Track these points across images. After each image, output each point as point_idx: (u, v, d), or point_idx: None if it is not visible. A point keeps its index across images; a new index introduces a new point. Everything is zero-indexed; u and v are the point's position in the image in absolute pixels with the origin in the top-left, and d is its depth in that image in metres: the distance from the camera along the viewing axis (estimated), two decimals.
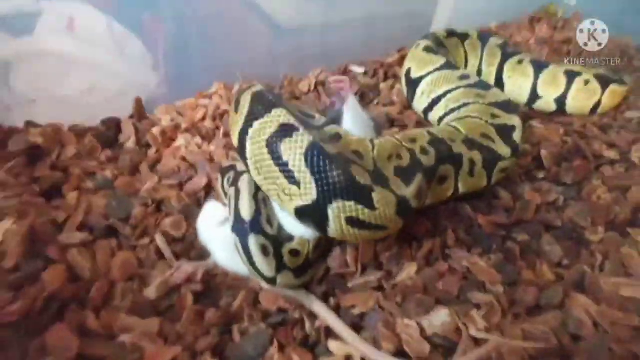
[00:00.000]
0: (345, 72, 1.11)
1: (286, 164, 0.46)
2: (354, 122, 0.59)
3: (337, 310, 0.58)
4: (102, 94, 0.87)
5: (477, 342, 0.54)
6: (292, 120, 0.47)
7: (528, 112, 1.02)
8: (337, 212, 0.47)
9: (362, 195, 0.47)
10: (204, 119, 0.88)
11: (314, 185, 0.46)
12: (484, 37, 1.08)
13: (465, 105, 0.83)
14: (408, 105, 0.97)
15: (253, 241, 0.52)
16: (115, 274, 0.59)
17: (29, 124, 0.76)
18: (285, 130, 0.47)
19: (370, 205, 0.48)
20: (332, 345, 0.53)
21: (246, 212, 0.52)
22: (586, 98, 0.95)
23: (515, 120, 0.78)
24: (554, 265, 0.68)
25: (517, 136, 0.76)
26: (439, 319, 0.56)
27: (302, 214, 0.49)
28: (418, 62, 0.95)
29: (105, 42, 0.85)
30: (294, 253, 0.56)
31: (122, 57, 0.88)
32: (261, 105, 0.49)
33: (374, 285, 0.60)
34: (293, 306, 0.58)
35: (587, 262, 0.67)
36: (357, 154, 0.53)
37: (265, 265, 0.53)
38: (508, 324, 0.57)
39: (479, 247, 0.69)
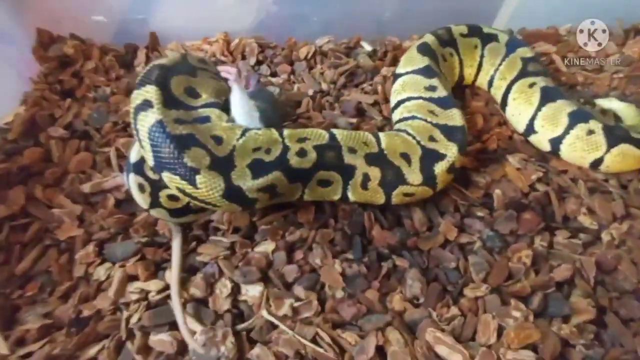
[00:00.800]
0: (355, 47, 1.10)
1: (138, 132, 0.59)
2: (235, 110, 0.66)
3: (193, 252, 0.73)
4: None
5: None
6: (153, 98, 0.58)
7: (522, 141, 0.90)
8: (168, 180, 0.59)
9: (185, 174, 0.58)
10: None
11: (152, 155, 0.58)
12: (513, 44, 0.93)
13: (412, 118, 0.80)
14: (387, 99, 0.95)
15: (132, 179, 0.68)
16: (72, 166, 0.82)
17: (72, 36, 1.00)
18: (144, 105, 0.58)
19: (193, 184, 0.58)
20: (167, 274, 0.69)
21: (132, 157, 0.68)
22: (584, 150, 0.80)
23: (450, 150, 0.74)
24: (406, 298, 0.69)
25: (440, 167, 0.73)
26: (253, 291, 0.67)
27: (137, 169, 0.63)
28: (406, 58, 0.90)
29: None
30: (173, 198, 0.70)
31: None
32: (144, 78, 0.61)
33: (226, 245, 0.72)
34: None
35: (438, 311, 0.67)
36: (215, 138, 0.62)
37: (140, 199, 0.69)
38: (308, 323, 0.65)
39: (350, 254, 0.74)
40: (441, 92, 0.81)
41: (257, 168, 0.63)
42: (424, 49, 0.88)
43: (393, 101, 0.88)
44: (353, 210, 0.78)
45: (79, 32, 1.00)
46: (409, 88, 0.84)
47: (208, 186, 0.59)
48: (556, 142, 0.83)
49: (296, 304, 0.66)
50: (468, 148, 0.88)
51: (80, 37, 1.01)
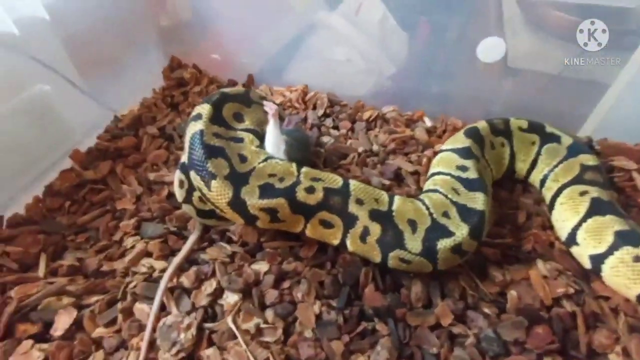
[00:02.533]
0: (417, 120, 1.15)
1: (185, 136, 0.74)
2: (267, 139, 0.77)
3: (201, 250, 0.83)
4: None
5: None
6: (204, 113, 0.73)
7: (563, 251, 0.81)
8: (193, 178, 0.72)
9: (205, 177, 0.69)
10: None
11: (188, 155, 0.72)
12: (576, 148, 0.88)
13: (435, 191, 0.80)
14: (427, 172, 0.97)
15: (177, 175, 0.83)
16: (149, 157, 1.02)
17: (193, 66, 1.28)
18: (196, 117, 0.73)
19: (208, 187, 0.69)
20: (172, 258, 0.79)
21: (182, 158, 0.83)
22: (630, 279, 0.69)
23: (460, 230, 0.72)
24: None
25: (443, 244, 0.71)
26: (231, 298, 0.72)
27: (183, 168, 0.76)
28: (453, 137, 0.92)
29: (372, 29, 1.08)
30: (202, 200, 0.82)
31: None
32: (206, 98, 0.77)
33: (228, 253, 0.80)
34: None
35: None
36: (240, 156, 0.73)
37: (178, 193, 0.83)
38: (265, 346, 0.67)
39: (334, 301, 0.75)
40: (471, 174, 0.80)
41: (266, 190, 0.72)
42: (471, 133, 0.89)
43: (428, 173, 0.90)
44: (353, 261, 0.80)
45: (199, 63, 1.28)
46: (442, 163, 0.86)
47: (219, 192, 0.69)
48: (597, 260, 0.74)
49: (262, 325, 0.70)
50: (496, 240, 0.83)
51: (199, 67, 1.28)
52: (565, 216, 0.81)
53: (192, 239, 0.82)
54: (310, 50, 1.19)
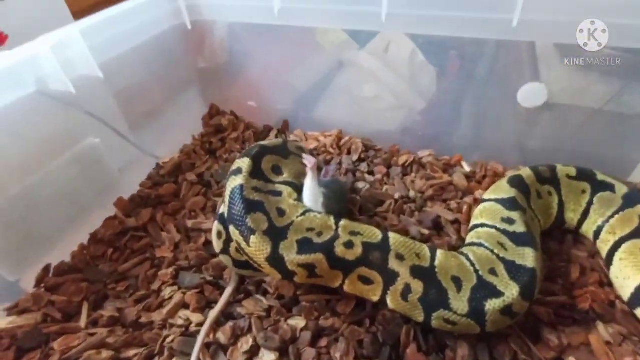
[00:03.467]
0: (454, 165, 1.12)
1: (226, 189, 0.75)
2: (305, 192, 0.76)
3: (238, 302, 0.81)
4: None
5: None
6: (244, 168, 0.74)
7: (627, 312, 0.74)
8: (232, 232, 0.72)
9: (244, 232, 0.69)
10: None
11: (228, 209, 0.72)
12: (633, 198, 0.82)
13: (479, 245, 0.76)
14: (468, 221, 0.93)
15: (215, 225, 0.83)
16: (188, 204, 1.04)
17: (231, 112, 1.33)
18: (236, 171, 0.75)
19: (247, 242, 0.69)
20: (211, 312, 0.79)
21: (220, 209, 0.84)
22: None
23: (510, 290, 0.68)
24: None
25: (492, 305, 0.67)
26: (268, 357, 0.70)
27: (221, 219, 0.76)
28: (495, 185, 0.89)
29: (402, 66, 1.08)
30: (239, 251, 0.83)
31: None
32: (245, 152, 0.78)
33: (265, 307, 0.79)
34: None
35: None
36: (279, 210, 0.73)
37: (216, 243, 0.84)
38: None
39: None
40: (519, 228, 0.76)
41: (304, 245, 0.70)
42: (515, 182, 0.86)
43: (470, 224, 0.86)
44: (394, 319, 0.76)
45: (236, 110, 1.32)
46: (486, 215, 0.82)
47: (257, 247, 0.69)
48: None
49: None
50: (548, 298, 0.78)
51: (236, 114, 1.33)
52: (627, 273, 0.74)
53: (228, 291, 0.81)
54: (340, 89, 1.21)
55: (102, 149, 0.99)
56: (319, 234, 0.72)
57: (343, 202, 0.80)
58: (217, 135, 1.27)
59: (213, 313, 0.76)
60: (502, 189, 0.85)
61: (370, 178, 1.08)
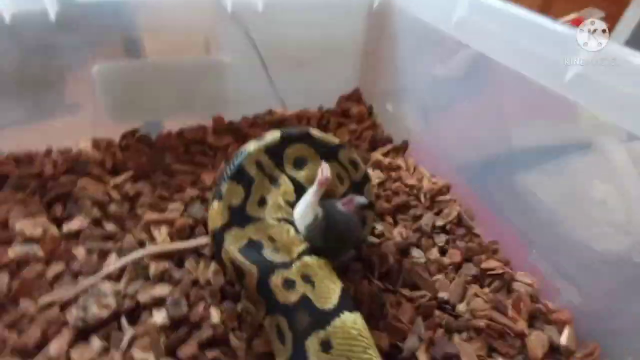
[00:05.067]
0: None
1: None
2: (299, 203, 0.62)
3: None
4: None
5: None
6: (268, 140, 0.65)
7: None
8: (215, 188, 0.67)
9: (216, 191, 0.64)
10: None
11: None
12: None
13: None
14: None
15: None
16: None
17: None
18: (261, 137, 0.67)
19: (212, 201, 0.63)
20: None
21: None
22: None
23: None
24: None
25: None
26: None
27: None
28: None
29: None
30: None
31: None
32: (289, 129, 0.68)
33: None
34: None
35: None
36: (261, 199, 0.62)
37: None
38: None
39: None
40: None
41: (251, 249, 0.60)
42: None
43: None
44: None
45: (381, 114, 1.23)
46: None
47: (212, 216, 0.62)
48: None
49: None
50: None
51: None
52: None
53: (198, 241, 0.78)
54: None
55: None
56: (274, 251, 0.60)
57: (334, 243, 0.61)
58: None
59: (168, 245, 0.75)
60: None
61: (424, 254, 0.83)
